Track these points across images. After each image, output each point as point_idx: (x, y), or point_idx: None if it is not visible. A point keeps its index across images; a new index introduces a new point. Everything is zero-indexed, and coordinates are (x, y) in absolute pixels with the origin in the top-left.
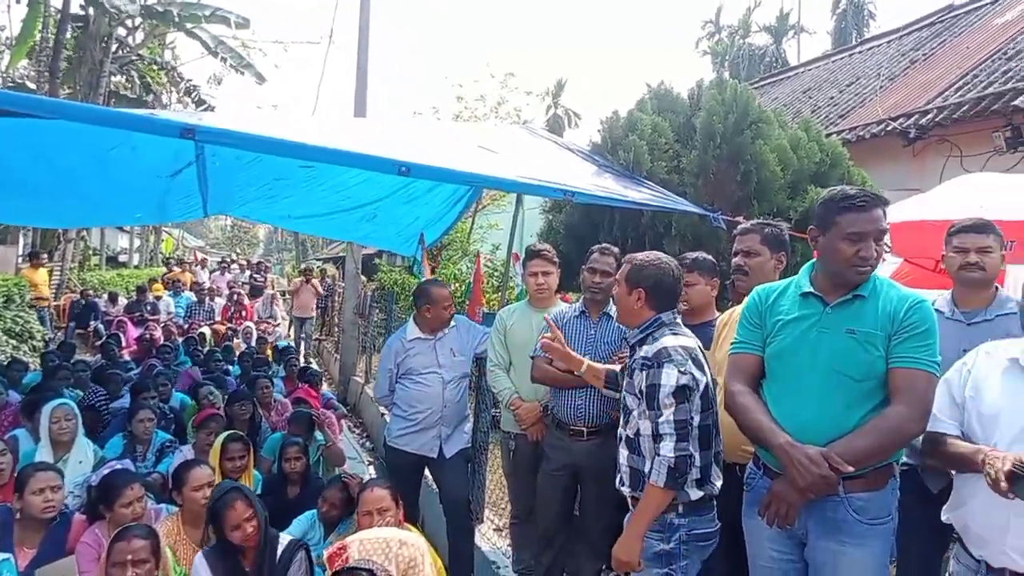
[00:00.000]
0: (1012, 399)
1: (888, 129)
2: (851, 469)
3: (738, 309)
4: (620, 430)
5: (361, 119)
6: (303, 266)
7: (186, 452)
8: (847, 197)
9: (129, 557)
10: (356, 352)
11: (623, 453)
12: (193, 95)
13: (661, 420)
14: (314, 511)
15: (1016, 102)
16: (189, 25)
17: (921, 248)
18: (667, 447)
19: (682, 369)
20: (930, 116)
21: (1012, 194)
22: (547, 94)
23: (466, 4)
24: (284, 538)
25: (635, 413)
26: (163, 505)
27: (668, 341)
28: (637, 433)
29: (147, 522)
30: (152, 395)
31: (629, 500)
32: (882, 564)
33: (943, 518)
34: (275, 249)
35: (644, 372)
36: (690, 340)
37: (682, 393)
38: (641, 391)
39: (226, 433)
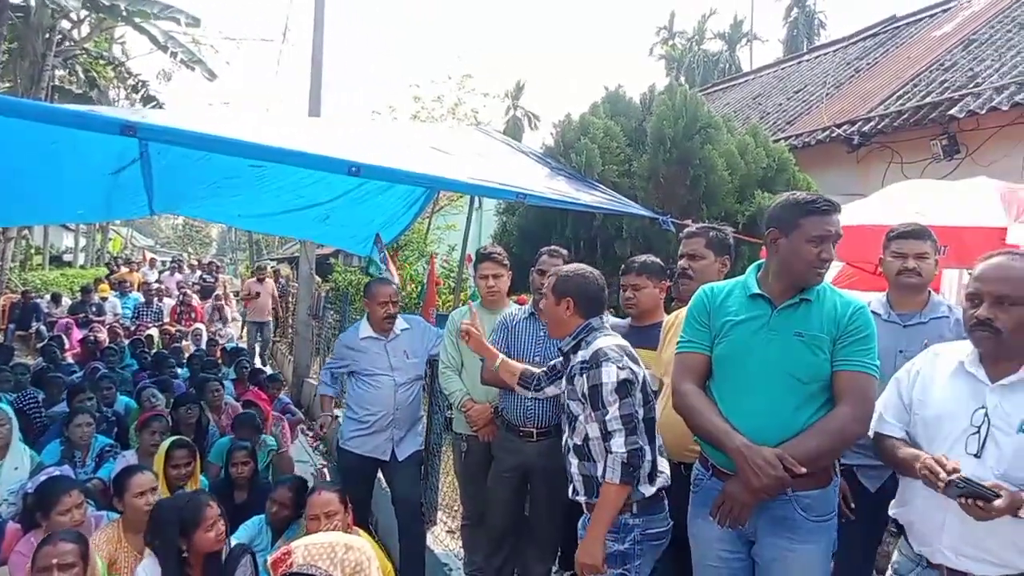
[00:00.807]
0: (955, 402)
1: (833, 136)
2: (804, 470)
3: (683, 312)
4: (567, 439)
5: (313, 119)
6: (256, 265)
7: (129, 457)
8: (810, 201)
9: (55, 561)
10: (310, 354)
11: (573, 462)
12: (141, 91)
13: (608, 417)
14: (262, 516)
15: (951, 112)
16: (137, 20)
17: (862, 252)
18: (618, 443)
19: (620, 365)
20: (872, 124)
21: (947, 201)
22: (507, 96)
23: (424, 5)
24: (229, 542)
25: (581, 419)
26: (104, 512)
27: (602, 342)
28: (585, 439)
29: (87, 530)
30: (89, 397)
31: (585, 506)
32: (826, 559)
33: (890, 513)
34: (229, 249)
35: (584, 375)
36: (621, 340)
37: (624, 388)
38: (584, 394)
39: (171, 439)
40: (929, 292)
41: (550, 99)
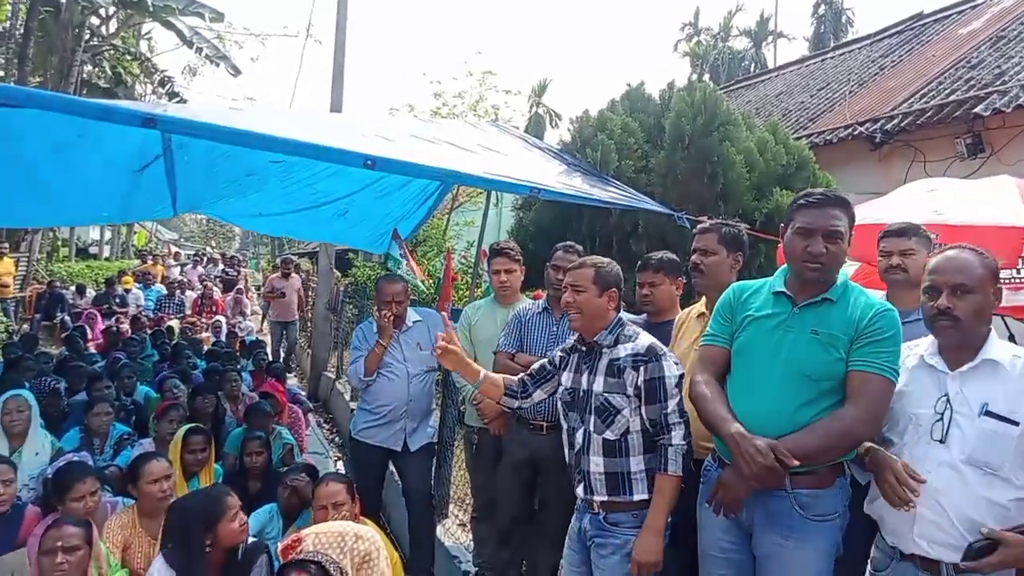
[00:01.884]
0: (919, 393)
1: (855, 134)
2: (796, 463)
3: (694, 308)
4: (594, 436)
5: (333, 114)
6: (281, 258)
7: (146, 445)
8: (806, 195)
9: (59, 544)
10: (328, 348)
11: (596, 460)
12: (167, 87)
13: (669, 410)
14: (274, 504)
15: (977, 110)
16: (164, 15)
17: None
18: (679, 435)
19: (675, 361)
20: (895, 122)
21: (965, 199)
22: (531, 94)
23: (448, 2)
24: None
25: (625, 412)
26: (119, 498)
27: (647, 338)
28: (625, 433)
29: (102, 516)
30: (108, 385)
31: (599, 506)
32: (825, 560)
33: (865, 509)
34: (251, 243)
35: (641, 368)
36: None
37: (680, 383)
38: (638, 388)
39: (188, 425)
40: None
41: (573, 97)
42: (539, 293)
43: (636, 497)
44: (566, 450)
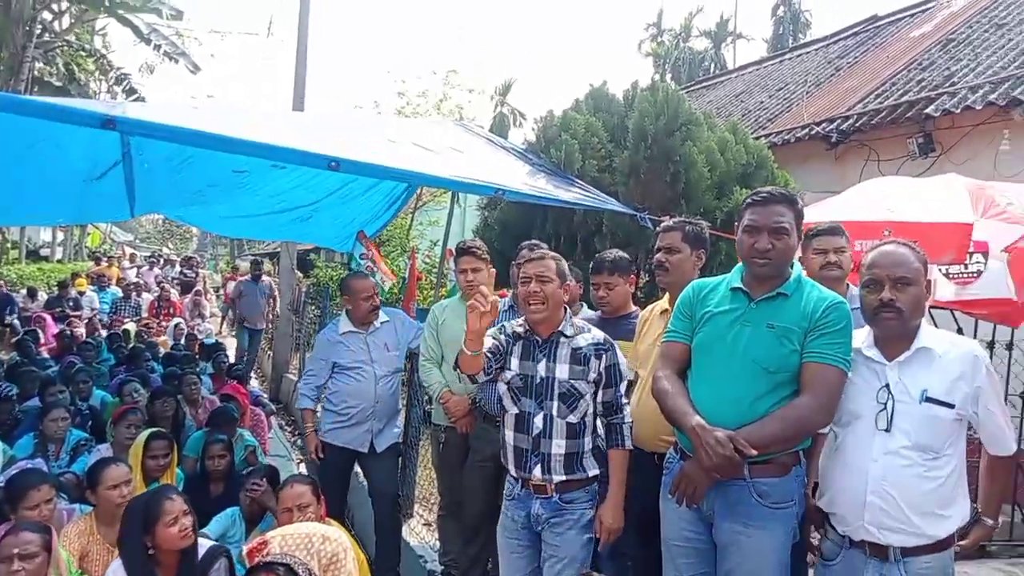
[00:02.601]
0: (861, 385)
1: (812, 133)
2: (755, 453)
3: (658, 304)
4: (557, 420)
5: (296, 113)
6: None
7: (103, 451)
8: (753, 194)
9: (16, 551)
10: (290, 349)
11: (557, 443)
12: (123, 84)
13: (619, 393)
14: (236, 508)
15: (928, 110)
16: (120, 12)
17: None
18: (627, 413)
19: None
20: (851, 121)
21: (917, 198)
22: (495, 93)
23: (411, 2)
24: (204, 543)
25: (587, 397)
26: (76, 505)
27: (597, 330)
28: (584, 416)
29: (58, 523)
30: (61, 390)
31: (555, 486)
32: (783, 547)
33: (816, 503)
34: (209, 244)
35: (603, 355)
36: None
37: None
38: (600, 374)
39: (149, 430)
40: (848, 284)
41: (538, 97)
42: (504, 292)
43: (590, 473)
44: (511, 433)
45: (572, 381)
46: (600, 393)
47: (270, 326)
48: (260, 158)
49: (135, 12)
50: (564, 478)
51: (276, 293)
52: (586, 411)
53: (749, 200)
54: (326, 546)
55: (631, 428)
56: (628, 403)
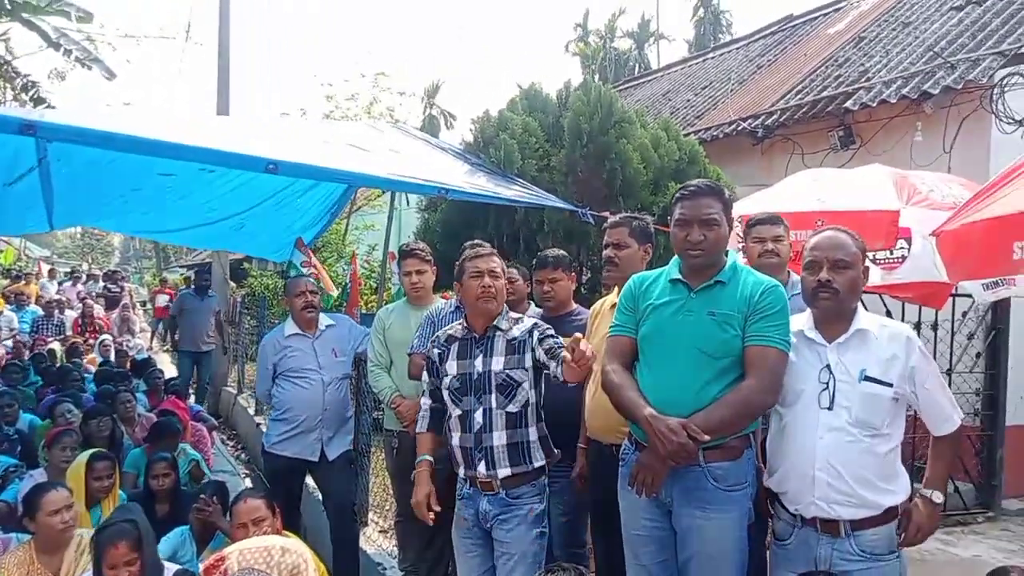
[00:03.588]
0: (803, 366)
1: (739, 129)
2: (707, 438)
3: (608, 299)
4: (496, 412)
5: (224, 117)
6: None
7: (37, 476)
8: (682, 188)
9: None
10: (227, 362)
11: (499, 435)
12: (31, 92)
13: (559, 340)
14: (185, 527)
15: (846, 104)
16: (24, 15)
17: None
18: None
19: None
20: (775, 117)
21: (845, 188)
22: (424, 95)
23: (335, 2)
24: (170, 569)
25: (525, 385)
26: (12, 535)
27: (529, 319)
28: (525, 405)
29: None
30: None
31: (502, 482)
32: (740, 528)
33: (765, 484)
34: (133, 257)
35: (535, 331)
36: None
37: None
38: (534, 344)
39: (91, 451)
40: (789, 271)
41: (467, 98)
42: (447, 294)
43: (536, 464)
44: (457, 435)
45: (507, 371)
46: (539, 349)
47: (217, 345)
48: (193, 162)
49: (39, 14)
50: (509, 472)
51: (221, 312)
52: (526, 400)
53: (678, 194)
54: (286, 558)
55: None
56: None
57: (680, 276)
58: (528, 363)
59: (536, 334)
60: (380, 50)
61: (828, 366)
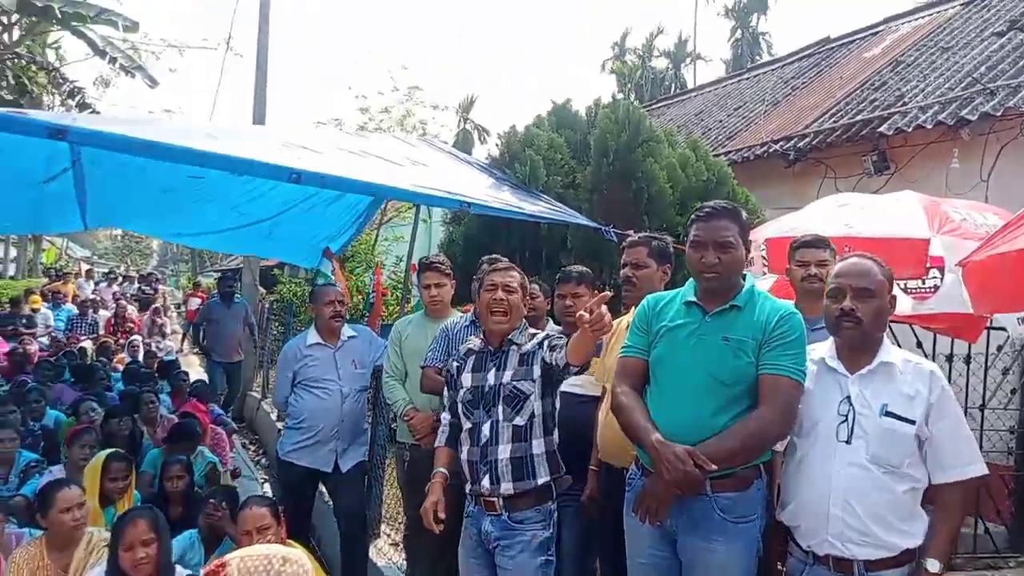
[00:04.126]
0: (823, 396)
1: (770, 151)
2: (715, 468)
3: (624, 319)
4: (503, 425)
5: (257, 127)
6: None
7: (56, 472)
8: (698, 209)
9: None
10: (253, 366)
11: (503, 448)
12: (77, 98)
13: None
14: (194, 531)
15: (881, 129)
16: (74, 24)
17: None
18: None
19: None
20: (807, 140)
21: (874, 213)
22: (459, 109)
23: (373, 17)
24: (180, 572)
25: (532, 397)
26: (26, 529)
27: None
28: (531, 417)
29: (6, 548)
30: (12, 410)
31: (504, 503)
32: (748, 561)
33: (778, 518)
34: (170, 260)
35: (545, 341)
36: None
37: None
38: (543, 348)
39: (108, 451)
40: None
41: (502, 113)
42: (469, 307)
43: (540, 480)
44: (466, 448)
45: (515, 382)
46: (552, 354)
47: (250, 354)
48: (219, 170)
49: (89, 24)
50: (512, 489)
51: (253, 317)
52: (532, 412)
53: (694, 216)
54: (287, 568)
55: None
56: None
57: (695, 299)
58: (536, 374)
59: (546, 343)
60: (416, 65)
61: (848, 397)
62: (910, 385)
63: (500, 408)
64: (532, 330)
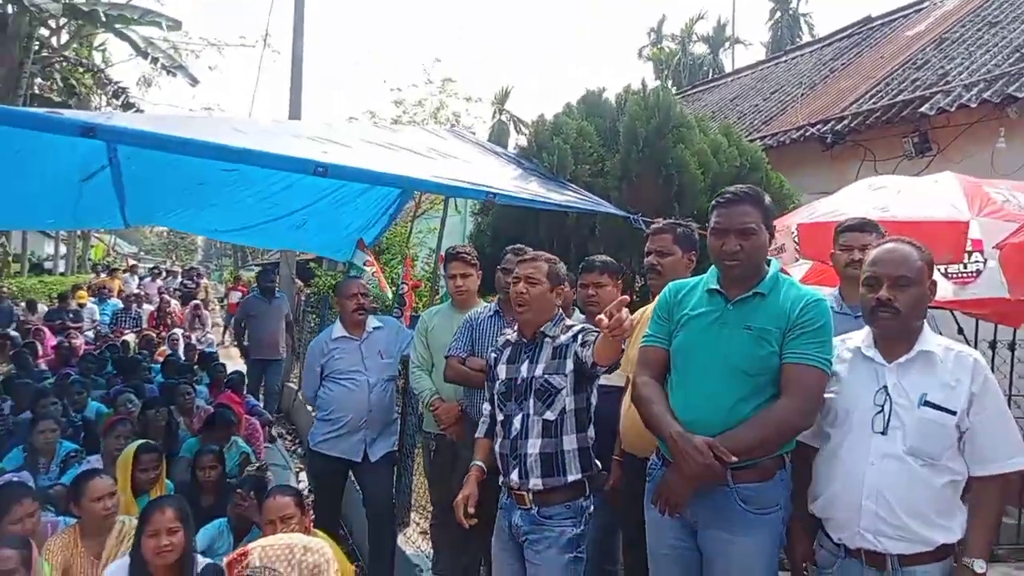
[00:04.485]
0: (858, 386)
1: (807, 135)
2: (735, 459)
3: (649, 308)
4: (534, 418)
5: (286, 121)
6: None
7: (94, 462)
8: (719, 195)
9: None
10: (291, 358)
11: (533, 443)
12: (122, 98)
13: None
14: (223, 520)
15: (922, 109)
16: (118, 26)
17: (825, 248)
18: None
19: None
20: (846, 122)
21: (911, 196)
22: (494, 101)
23: (408, 9)
24: (201, 562)
25: (563, 392)
26: (61, 518)
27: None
28: (562, 412)
29: (42, 536)
30: (54, 402)
31: (534, 497)
32: (770, 553)
33: (810, 509)
34: (214, 255)
35: (578, 334)
36: None
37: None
38: (574, 341)
39: (138, 442)
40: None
41: (538, 104)
42: (493, 298)
43: (570, 478)
44: (499, 440)
45: (547, 376)
46: (583, 351)
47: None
48: (245, 164)
49: (132, 26)
50: (541, 484)
51: (291, 315)
52: (564, 407)
53: (715, 202)
54: (308, 557)
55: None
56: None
57: (718, 286)
58: (568, 367)
59: (580, 337)
60: (450, 57)
61: (885, 387)
62: (951, 374)
63: (531, 401)
64: (568, 321)
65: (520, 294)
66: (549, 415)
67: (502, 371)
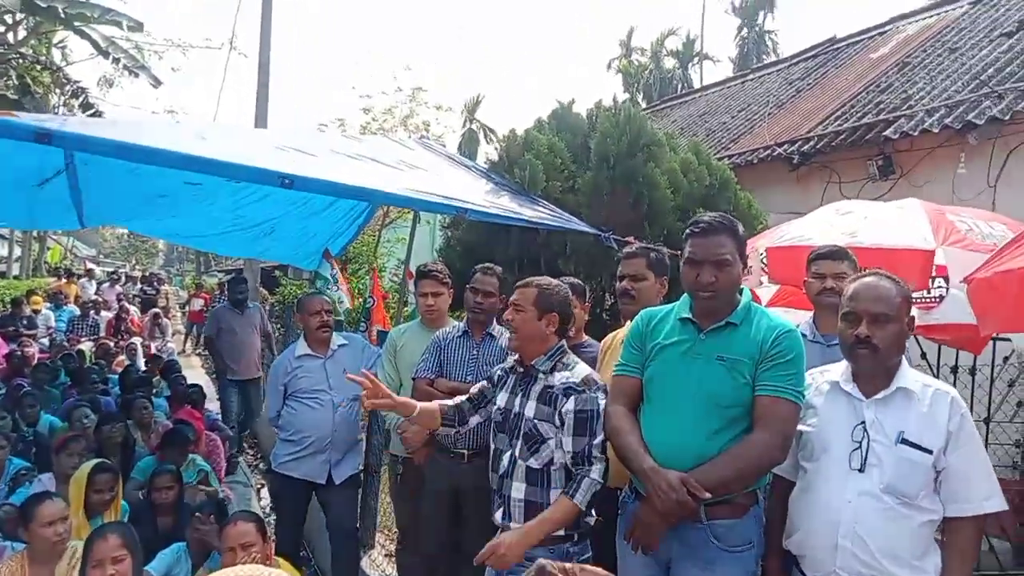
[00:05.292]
0: (836, 421)
1: (774, 155)
2: (708, 496)
3: (620, 332)
4: (519, 462)
5: (253, 129)
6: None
7: (46, 481)
8: (694, 223)
9: None
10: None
11: (517, 486)
12: (81, 98)
13: (594, 444)
14: (182, 544)
15: (886, 133)
16: (77, 24)
17: (794, 272)
18: (598, 470)
19: (605, 397)
20: (812, 143)
21: (878, 222)
22: (464, 110)
23: (377, 17)
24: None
25: (551, 442)
26: (8, 543)
27: (584, 367)
28: (548, 464)
29: None
30: (2, 415)
31: None
32: None
33: (784, 545)
34: (176, 260)
35: (573, 397)
36: None
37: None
38: (566, 416)
39: (94, 461)
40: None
41: (508, 113)
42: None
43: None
44: (490, 472)
45: (536, 421)
46: (567, 440)
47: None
48: (209, 175)
49: (92, 24)
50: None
51: (269, 325)
52: (550, 458)
53: (689, 230)
54: None
55: (595, 488)
56: (602, 460)
57: (690, 315)
58: (558, 419)
59: (574, 404)
60: (420, 65)
61: (863, 423)
62: (929, 412)
63: (519, 443)
64: (571, 358)
65: (507, 321)
66: (533, 463)
67: (501, 399)
